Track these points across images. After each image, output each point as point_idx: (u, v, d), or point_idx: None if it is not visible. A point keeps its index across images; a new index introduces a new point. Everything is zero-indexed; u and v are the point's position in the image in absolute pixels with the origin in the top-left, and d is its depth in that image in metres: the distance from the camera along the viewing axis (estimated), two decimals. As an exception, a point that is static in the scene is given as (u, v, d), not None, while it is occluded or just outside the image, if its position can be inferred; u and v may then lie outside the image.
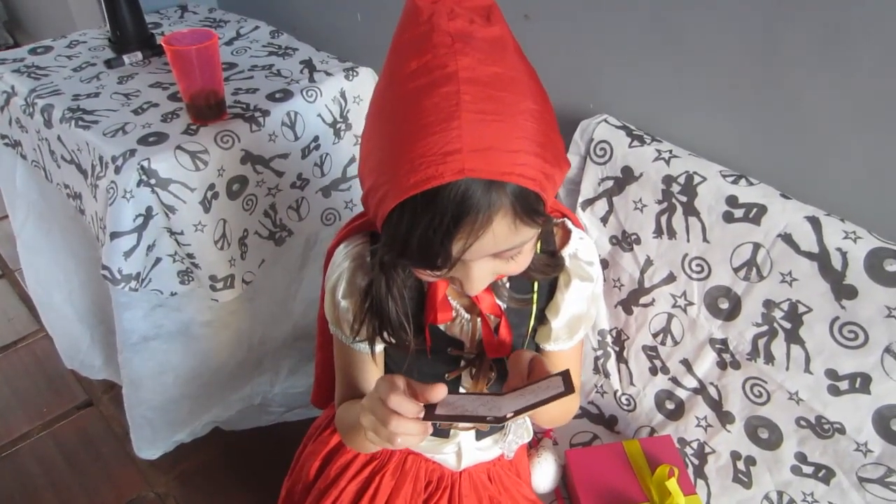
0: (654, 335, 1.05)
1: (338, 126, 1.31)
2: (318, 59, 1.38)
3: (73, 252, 1.48)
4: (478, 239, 0.57)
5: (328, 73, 1.31)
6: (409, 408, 0.62)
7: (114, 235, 1.09)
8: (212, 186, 1.15)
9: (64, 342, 1.69)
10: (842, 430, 0.87)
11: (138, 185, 1.08)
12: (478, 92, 0.55)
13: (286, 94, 1.25)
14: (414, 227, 0.57)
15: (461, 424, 0.76)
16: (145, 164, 1.07)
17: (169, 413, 1.41)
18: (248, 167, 1.20)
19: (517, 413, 0.60)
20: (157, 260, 1.18)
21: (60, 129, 1.20)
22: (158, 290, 1.22)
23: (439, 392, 0.63)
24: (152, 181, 1.08)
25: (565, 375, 0.64)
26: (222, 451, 1.58)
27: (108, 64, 1.37)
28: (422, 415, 0.62)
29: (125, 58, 1.38)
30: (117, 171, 1.07)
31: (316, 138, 1.28)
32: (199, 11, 1.68)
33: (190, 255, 1.19)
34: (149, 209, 1.11)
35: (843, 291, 0.84)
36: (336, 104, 1.29)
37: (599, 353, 1.14)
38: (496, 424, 0.62)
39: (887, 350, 0.82)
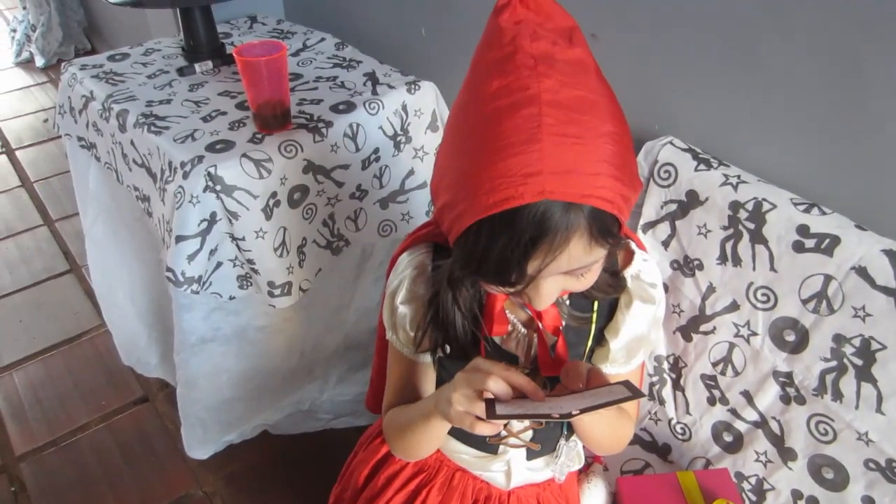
0: (714, 364, 1.02)
1: (398, 139, 1.32)
2: (381, 71, 1.39)
3: (138, 253, 1.52)
4: (554, 259, 0.58)
5: (391, 87, 1.32)
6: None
7: (179, 238, 1.12)
8: (274, 194, 1.18)
9: (123, 339, 1.74)
10: (915, 476, 0.82)
11: (204, 190, 1.11)
12: (560, 115, 0.55)
13: (349, 106, 1.27)
14: (491, 246, 0.58)
15: (519, 428, 0.76)
16: (212, 170, 1.10)
17: (221, 414, 1.44)
18: (309, 176, 1.22)
19: (583, 411, 0.59)
20: (219, 264, 1.21)
21: (133, 134, 1.24)
22: (218, 293, 1.24)
23: (535, 391, 0.64)
24: (218, 187, 1.11)
25: (627, 383, 0.63)
26: (270, 454, 1.60)
27: (181, 72, 1.41)
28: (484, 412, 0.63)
29: (196, 66, 1.42)
30: (185, 176, 1.10)
31: (376, 150, 1.29)
32: (267, 23, 1.72)
33: (250, 261, 1.21)
34: (213, 214, 1.14)
35: (922, 330, 0.80)
36: (397, 117, 1.30)
37: (655, 378, 1.11)
38: (562, 420, 0.62)
39: (968, 394, 0.77)
